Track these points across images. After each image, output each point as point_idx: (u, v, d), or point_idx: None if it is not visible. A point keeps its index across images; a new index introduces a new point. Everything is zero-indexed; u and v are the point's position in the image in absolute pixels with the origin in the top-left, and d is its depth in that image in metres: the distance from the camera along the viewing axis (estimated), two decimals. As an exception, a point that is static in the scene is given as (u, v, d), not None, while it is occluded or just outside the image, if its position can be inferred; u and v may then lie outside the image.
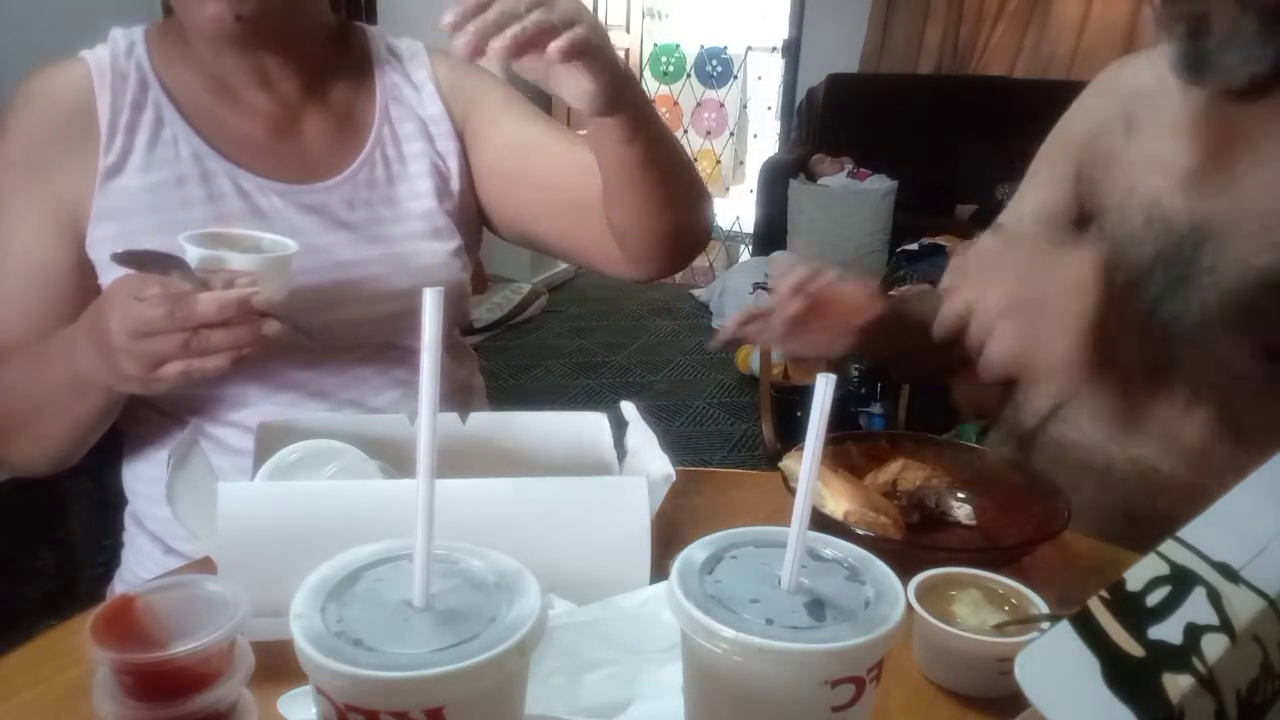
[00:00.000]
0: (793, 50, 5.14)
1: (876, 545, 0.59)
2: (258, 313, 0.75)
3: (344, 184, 0.95)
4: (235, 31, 0.84)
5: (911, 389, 1.86)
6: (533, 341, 4.12)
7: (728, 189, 6.17)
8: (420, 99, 1.00)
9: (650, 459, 0.73)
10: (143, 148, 0.89)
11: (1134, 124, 0.96)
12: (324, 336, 0.92)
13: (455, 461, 0.73)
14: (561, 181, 0.98)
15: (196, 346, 0.73)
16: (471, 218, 1.04)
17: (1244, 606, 0.39)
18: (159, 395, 0.93)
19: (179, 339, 0.72)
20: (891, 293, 1.14)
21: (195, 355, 0.73)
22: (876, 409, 2.53)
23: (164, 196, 0.88)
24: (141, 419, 0.95)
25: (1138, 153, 0.95)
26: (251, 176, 0.91)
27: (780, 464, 0.83)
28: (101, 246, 0.87)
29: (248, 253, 0.78)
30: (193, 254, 0.76)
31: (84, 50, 0.91)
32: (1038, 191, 1.07)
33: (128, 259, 0.75)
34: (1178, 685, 0.36)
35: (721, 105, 5.90)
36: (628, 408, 0.78)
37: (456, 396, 1.03)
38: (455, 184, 1.00)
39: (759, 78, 5.86)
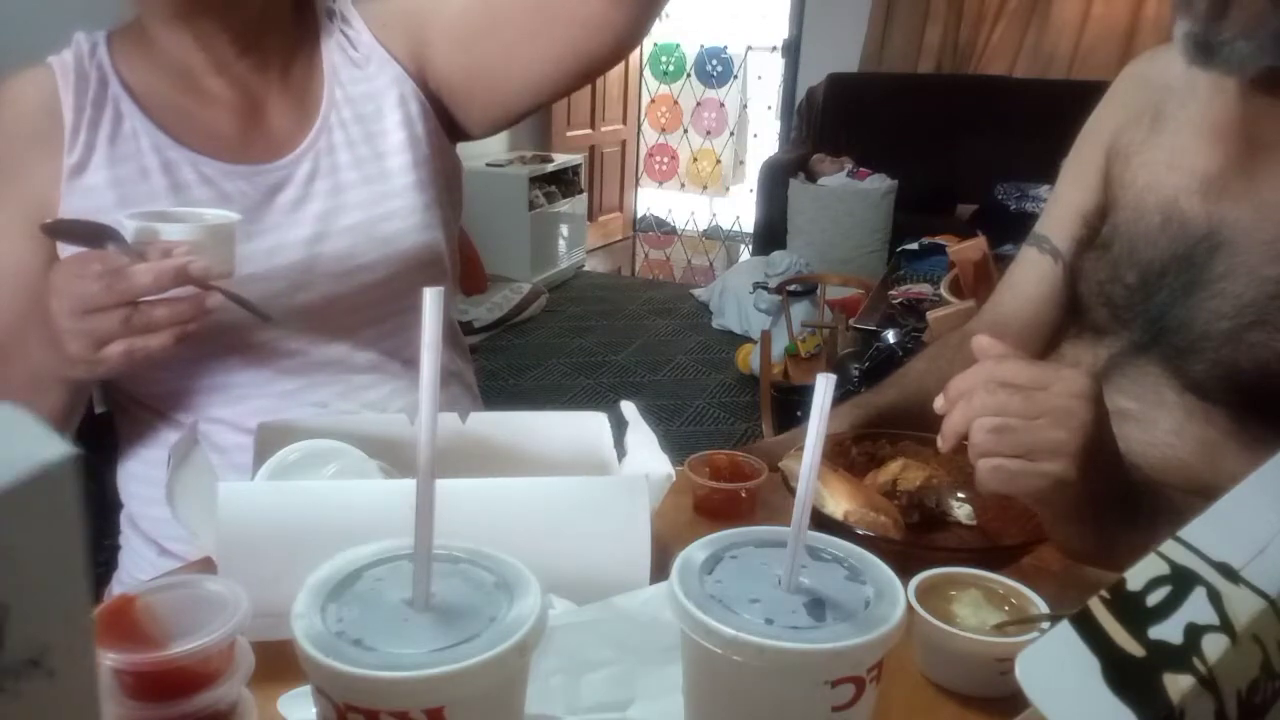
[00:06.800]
0: (793, 50, 5.15)
1: (876, 545, 0.59)
2: (200, 285, 0.73)
3: (305, 155, 0.93)
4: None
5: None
6: (533, 341, 4.12)
7: (728, 189, 6.17)
8: (362, 54, 0.98)
9: (650, 459, 0.73)
10: (104, 144, 0.89)
11: (1160, 118, 0.94)
12: (299, 320, 0.91)
13: (455, 461, 0.74)
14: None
15: (138, 323, 0.72)
16: (447, 163, 1.01)
17: (1244, 606, 0.39)
18: (147, 391, 0.93)
19: (120, 315, 0.72)
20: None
21: (137, 332, 0.73)
22: (876, 409, 2.52)
23: (129, 191, 0.88)
24: (134, 418, 0.95)
25: (1160, 148, 0.93)
26: (214, 162, 0.91)
27: (780, 464, 0.83)
28: (70, 248, 0.86)
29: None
30: (128, 227, 0.75)
31: (51, 56, 0.91)
32: (1071, 191, 1.03)
33: (55, 229, 0.74)
34: (1178, 685, 0.36)
35: (721, 105, 5.91)
36: (628, 407, 0.78)
37: (443, 389, 1.02)
38: (420, 126, 0.97)
39: (759, 77, 5.86)
